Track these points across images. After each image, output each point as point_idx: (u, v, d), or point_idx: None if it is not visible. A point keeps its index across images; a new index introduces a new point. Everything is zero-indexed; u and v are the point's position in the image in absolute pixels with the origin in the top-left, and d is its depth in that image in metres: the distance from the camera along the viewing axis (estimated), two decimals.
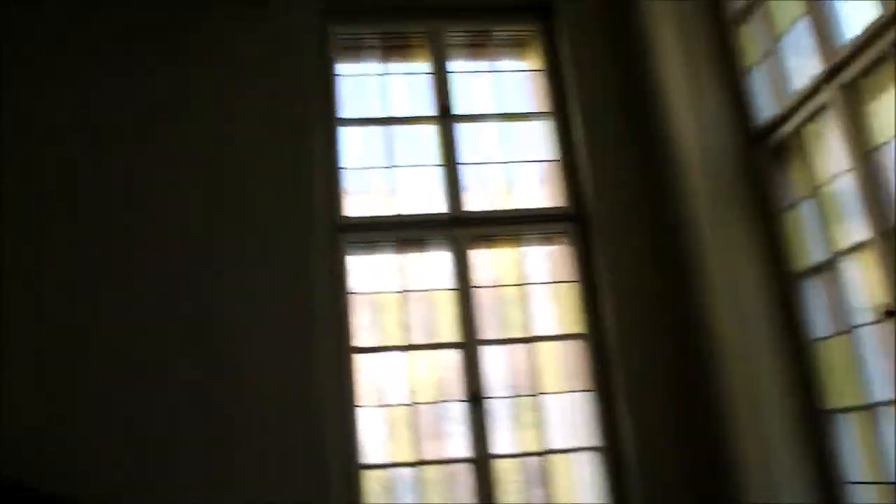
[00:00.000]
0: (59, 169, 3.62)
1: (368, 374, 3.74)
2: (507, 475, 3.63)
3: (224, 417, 3.36)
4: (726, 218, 3.40)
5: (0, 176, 3.57)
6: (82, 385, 3.34)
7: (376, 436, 3.67)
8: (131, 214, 3.59)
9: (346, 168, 4.00)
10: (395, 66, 4.27)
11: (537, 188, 4.16)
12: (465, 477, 3.60)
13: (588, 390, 3.75)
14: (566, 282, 3.94)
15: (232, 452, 3.33)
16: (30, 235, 3.52)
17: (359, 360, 3.72)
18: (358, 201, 4.00)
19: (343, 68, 4.18)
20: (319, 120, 3.93)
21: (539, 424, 3.73)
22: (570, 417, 3.76)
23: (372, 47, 4.26)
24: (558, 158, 4.09)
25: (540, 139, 4.20)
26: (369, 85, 4.22)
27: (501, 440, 3.67)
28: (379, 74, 4.24)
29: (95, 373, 3.36)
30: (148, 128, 3.73)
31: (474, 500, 3.54)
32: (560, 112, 4.14)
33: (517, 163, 4.16)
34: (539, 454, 3.70)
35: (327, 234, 3.80)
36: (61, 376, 3.34)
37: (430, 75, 4.18)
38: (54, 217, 3.56)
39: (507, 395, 3.78)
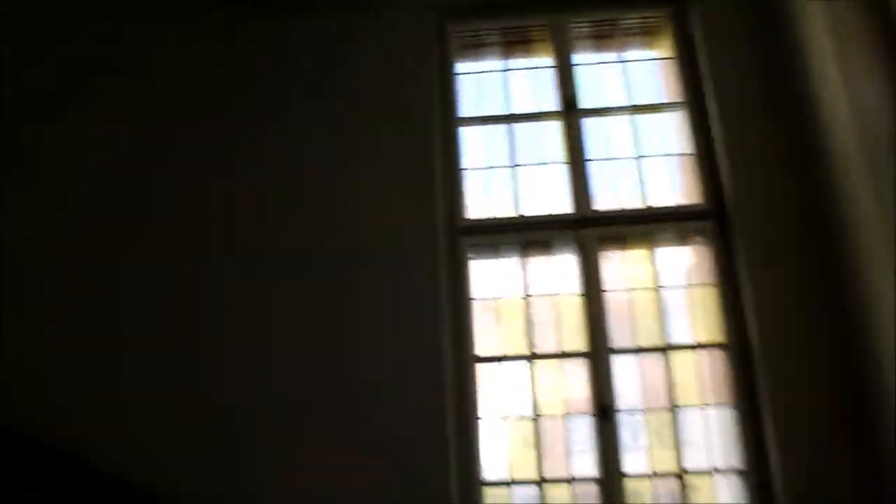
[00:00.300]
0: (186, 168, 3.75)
1: (490, 385, 3.57)
2: (639, 497, 3.37)
3: (349, 426, 3.32)
4: (892, 209, 3.00)
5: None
6: (200, 389, 3.39)
7: (498, 451, 3.49)
8: (255, 217, 3.65)
9: (467, 168, 3.88)
10: (517, 62, 4.12)
11: (671, 184, 3.87)
12: (592, 498, 3.36)
13: (729, 405, 3.43)
14: (704, 285, 3.63)
15: (355, 461, 3.26)
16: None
17: (480, 370, 3.56)
18: (480, 203, 3.87)
19: (463, 66, 4.07)
20: (440, 120, 3.86)
21: (674, 442, 3.44)
22: (709, 435, 3.45)
23: (492, 44, 4.13)
24: (694, 152, 3.79)
25: (673, 132, 3.92)
26: (490, 82, 4.08)
27: (632, 459, 3.40)
28: (500, 71, 4.10)
29: (217, 375, 3.41)
30: (263, 130, 3.80)
31: None
32: (695, 102, 3.84)
33: (649, 157, 3.89)
34: (674, 475, 3.41)
35: (448, 238, 3.70)
36: (179, 374, 3.42)
37: (554, 69, 3.98)
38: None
39: (639, 410, 3.51)
